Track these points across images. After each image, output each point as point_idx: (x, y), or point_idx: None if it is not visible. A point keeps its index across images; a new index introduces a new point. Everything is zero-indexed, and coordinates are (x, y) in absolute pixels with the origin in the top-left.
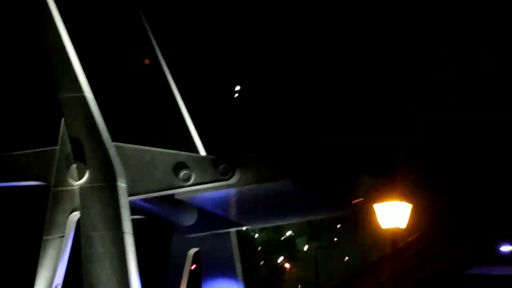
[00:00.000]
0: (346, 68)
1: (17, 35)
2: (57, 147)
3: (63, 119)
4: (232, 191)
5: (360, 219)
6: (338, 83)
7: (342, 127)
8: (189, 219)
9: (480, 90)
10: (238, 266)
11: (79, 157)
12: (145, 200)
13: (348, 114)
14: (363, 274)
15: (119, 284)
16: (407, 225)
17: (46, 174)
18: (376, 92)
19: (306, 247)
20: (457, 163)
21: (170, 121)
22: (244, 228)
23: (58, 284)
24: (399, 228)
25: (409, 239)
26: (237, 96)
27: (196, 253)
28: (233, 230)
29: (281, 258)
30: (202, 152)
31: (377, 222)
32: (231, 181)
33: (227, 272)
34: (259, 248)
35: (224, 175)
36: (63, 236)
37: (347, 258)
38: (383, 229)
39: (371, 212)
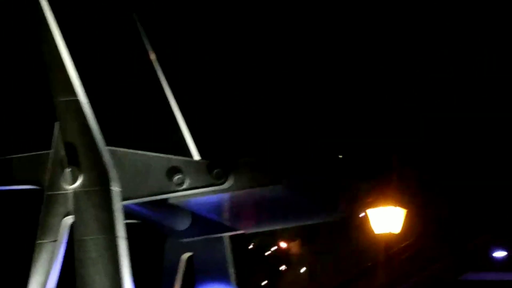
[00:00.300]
0: (345, 68)
1: (10, 39)
2: (51, 151)
3: (56, 123)
4: (226, 195)
5: (354, 224)
6: (337, 83)
7: (341, 127)
8: (182, 224)
9: (480, 90)
10: (232, 271)
11: (73, 161)
12: (138, 204)
13: (347, 114)
14: (358, 279)
15: None
16: (401, 230)
17: (39, 178)
18: (375, 92)
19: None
20: (452, 168)
21: (164, 125)
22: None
23: None
24: (393, 234)
25: (403, 244)
26: (232, 100)
27: (189, 257)
28: (226, 235)
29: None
30: (197, 156)
31: (371, 227)
32: (225, 186)
33: (220, 277)
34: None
35: (218, 180)
36: (56, 241)
37: (341, 263)
38: (376, 234)
39: (365, 217)
